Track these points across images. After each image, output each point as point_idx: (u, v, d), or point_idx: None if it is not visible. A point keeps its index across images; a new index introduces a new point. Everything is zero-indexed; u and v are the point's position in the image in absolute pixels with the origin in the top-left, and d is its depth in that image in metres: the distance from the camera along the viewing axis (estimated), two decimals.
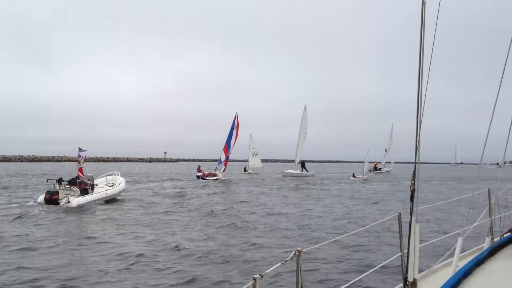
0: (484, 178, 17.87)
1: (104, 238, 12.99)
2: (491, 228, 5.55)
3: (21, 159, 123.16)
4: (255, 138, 67.79)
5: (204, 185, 38.12)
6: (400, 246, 4.48)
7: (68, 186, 21.38)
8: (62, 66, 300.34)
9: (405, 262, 4.17)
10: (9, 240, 12.37)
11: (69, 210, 19.27)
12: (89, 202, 21.12)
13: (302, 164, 56.32)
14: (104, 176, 25.91)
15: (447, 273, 4.26)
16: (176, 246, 11.62)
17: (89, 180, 22.72)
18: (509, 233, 5.67)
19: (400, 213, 4.75)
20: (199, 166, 49.96)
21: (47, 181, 24.05)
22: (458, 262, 4.42)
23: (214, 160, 55.35)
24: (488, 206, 5.64)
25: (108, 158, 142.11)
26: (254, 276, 2.94)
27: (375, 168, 73.65)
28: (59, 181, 21.67)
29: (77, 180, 21.59)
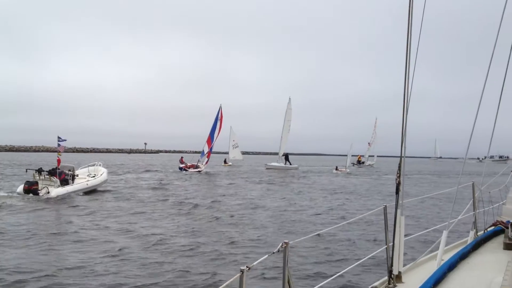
0: (465, 172, 18.17)
1: (82, 230, 12.73)
2: (475, 222, 5.60)
3: None
4: (236, 130, 68.01)
5: (186, 176, 37.93)
6: (386, 239, 4.47)
7: (48, 176, 20.98)
8: (42, 56, 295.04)
9: (390, 255, 4.16)
10: None
11: (48, 201, 18.90)
12: (69, 193, 20.75)
13: (286, 156, 56.37)
14: (86, 167, 25.50)
15: (432, 266, 4.28)
16: (160, 240, 11.46)
17: (69, 170, 22.33)
18: (493, 227, 5.74)
19: (385, 206, 4.73)
20: (181, 157, 49.58)
21: (26, 171, 23.55)
22: (443, 255, 4.44)
23: (197, 152, 55.03)
24: (472, 200, 5.68)
25: (87, 148, 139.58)
26: (241, 268, 2.88)
27: (359, 162, 74.43)
28: (39, 171, 21.24)
29: (57, 171, 21.20)
